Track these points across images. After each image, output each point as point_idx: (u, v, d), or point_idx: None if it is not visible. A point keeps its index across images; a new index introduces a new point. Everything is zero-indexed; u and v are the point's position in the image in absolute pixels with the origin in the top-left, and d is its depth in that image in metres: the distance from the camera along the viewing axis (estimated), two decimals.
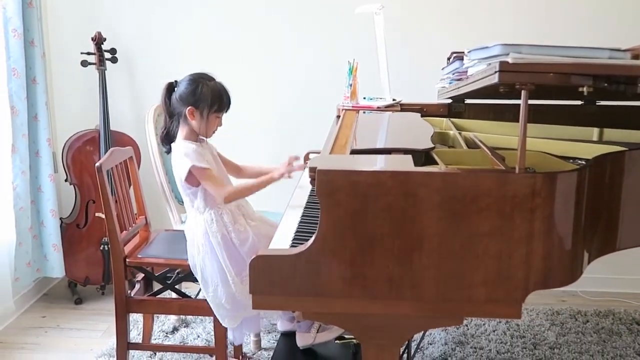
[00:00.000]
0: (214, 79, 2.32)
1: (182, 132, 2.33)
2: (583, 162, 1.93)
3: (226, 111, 2.35)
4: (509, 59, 1.47)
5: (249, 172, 2.62)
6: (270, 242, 1.91)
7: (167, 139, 2.37)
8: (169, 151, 2.39)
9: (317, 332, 2.44)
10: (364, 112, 2.88)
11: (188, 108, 2.26)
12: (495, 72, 1.49)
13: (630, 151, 1.87)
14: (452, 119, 2.72)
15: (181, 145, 2.30)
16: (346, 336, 2.44)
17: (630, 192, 1.83)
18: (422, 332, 2.70)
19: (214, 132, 2.37)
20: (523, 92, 1.52)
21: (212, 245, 2.28)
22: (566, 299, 3.47)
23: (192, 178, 2.27)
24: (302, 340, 2.45)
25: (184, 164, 2.24)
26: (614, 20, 3.32)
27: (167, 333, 3.04)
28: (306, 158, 2.88)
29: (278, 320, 2.57)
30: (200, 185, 2.29)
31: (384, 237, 1.55)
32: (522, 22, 3.38)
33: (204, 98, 2.26)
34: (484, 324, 3.10)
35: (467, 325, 3.09)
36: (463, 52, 1.99)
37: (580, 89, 1.60)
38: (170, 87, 2.32)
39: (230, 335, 2.42)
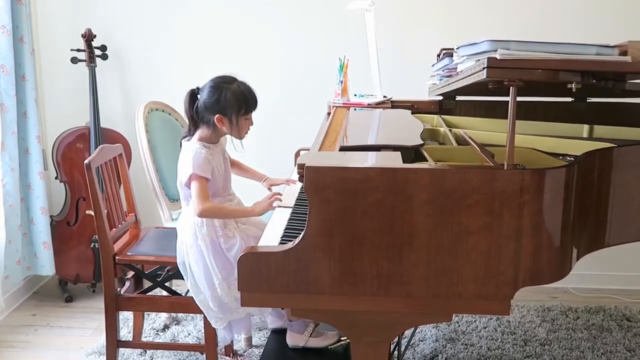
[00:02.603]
0: (235, 80, 2.25)
1: (201, 132, 2.28)
2: (572, 159, 1.93)
3: (254, 110, 2.30)
4: (497, 55, 1.47)
5: (237, 168, 2.59)
6: (259, 242, 1.90)
7: None
8: None
9: (309, 336, 2.43)
10: (355, 109, 2.87)
11: (216, 116, 2.21)
12: (483, 68, 1.49)
13: (618, 148, 1.87)
14: (443, 116, 2.73)
15: (194, 147, 2.25)
16: (342, 338, 2.44)
17: (618, 188, 1.84)
18: (413, 328, 2.70)
19: (246, 133, 2.32)
20: (511, 89, 1.52)
21: (200, 248, 2.26)
22: (557, 296, 3.48)
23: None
24: (293, 340, 2.45)
25: (187, 169, 2.21)
26: (608, 16, 3.32)
27: (157, 331, 3.03)
28: (297, 155, 2.88)
29: (268, 316, 2.57)
30: None
31: (372, 234, 1.54)
32: (513, 18, 3.38)
33: (230, 104, 2.21)
34: (474, 321, 3.11)
35: (458, 322, 3.10)
36: (453, 49, 2.00)
37: (569, 86, 1.60)
38: (193, 95, 2.26)
39: (220, 334, 2.41)
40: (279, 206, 2.22)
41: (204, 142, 2.27)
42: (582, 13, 3.34)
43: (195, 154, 2.22)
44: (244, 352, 2.84)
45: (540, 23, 3.35)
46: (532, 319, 3.16)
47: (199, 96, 2.26)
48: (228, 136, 2.35)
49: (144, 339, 2.88)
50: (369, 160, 1.72)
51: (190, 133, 2.31)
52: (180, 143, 2.35)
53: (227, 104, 2.21)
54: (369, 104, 2.92)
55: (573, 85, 1.59)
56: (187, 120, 2.33)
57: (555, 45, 1.52)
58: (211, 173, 2.24)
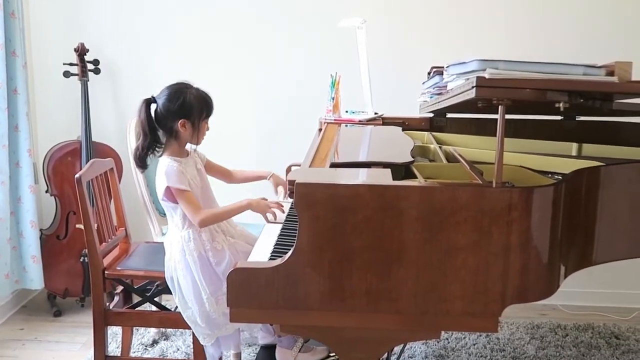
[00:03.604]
0: (192, 86, 2.28)
1: (168, 148, 2.30)
2: (560, 177, 1.94)
3: (212, 114, 2.32)
4: (486, 75, 1.49)
5: (239, 177, 2.61)
6: (248, 257, 1.90)
7: (144, 157, 2.30)
8: (144, 170, 2.38)
9: (298, 352, 2.43)
10: (346, 126, 2.89)
11: (180, 121, 2.23)
12: (473, 87, 1.51)
13: (606, 166, 1.89)
14: (433, 133, 2.74)
15: (165, 162, 2.26)
16: (331, 354, 2.44)
17: (606, 206, 1.85)
18: (402, 345, 2.70)
19: (203, 139, 2.34)
20: (500, 107, 1.54)
21: (188, 263, 2.25)
22: (546, 313, 3.48)
23: (170, 195, 2.24)
24: (282, 356, 2.44)
25: (162, 183, 2.23)
26: (601, 35, 3.36)
27: (146, 346, 3.02)
28: (288, 171, 2.89)
29: (258, 332, 2.56)
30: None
31: (361, 250, 1.55)
32: (505, 35, 3.41)
33: (194, 107, 2.23)
34: (464, 338, 3.11)
35: (447, 339, 3.10)
36: (443, 67, 2.01)
37: (557, 105, 1.62)
38: (149, 103, 2.26)
39: (208, 351, 2.39)
40: (271, 222, 2.22)
41: (174, 157, 2.28)
42: (573, 32, 3.38)
43: (167, 168, 2.23)
44: None
45: (533, 43, 3.38)
46: (522, 336, 3.17)
47: (156, 104, 2.25)
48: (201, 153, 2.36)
49: (132, 354, 2.86)
50: (359, 177, 1.73)
51: (143, 144, 2.27)
52: (139, 164, 2.31)
53: (191, 107, 2.23)
54: (360, 121, 2.93)
55: (561, 104, 1.61)
56: (142, 132, 2.27)
57: (543, 65, 1.54)
58: (188, 185, 2.24)
